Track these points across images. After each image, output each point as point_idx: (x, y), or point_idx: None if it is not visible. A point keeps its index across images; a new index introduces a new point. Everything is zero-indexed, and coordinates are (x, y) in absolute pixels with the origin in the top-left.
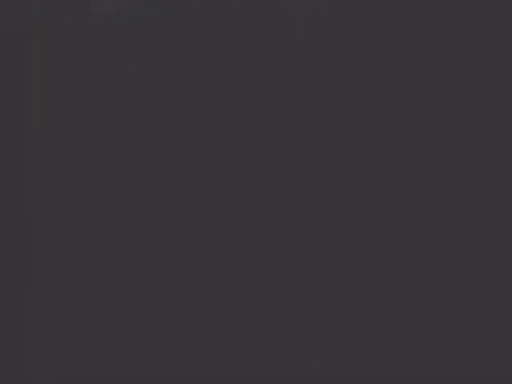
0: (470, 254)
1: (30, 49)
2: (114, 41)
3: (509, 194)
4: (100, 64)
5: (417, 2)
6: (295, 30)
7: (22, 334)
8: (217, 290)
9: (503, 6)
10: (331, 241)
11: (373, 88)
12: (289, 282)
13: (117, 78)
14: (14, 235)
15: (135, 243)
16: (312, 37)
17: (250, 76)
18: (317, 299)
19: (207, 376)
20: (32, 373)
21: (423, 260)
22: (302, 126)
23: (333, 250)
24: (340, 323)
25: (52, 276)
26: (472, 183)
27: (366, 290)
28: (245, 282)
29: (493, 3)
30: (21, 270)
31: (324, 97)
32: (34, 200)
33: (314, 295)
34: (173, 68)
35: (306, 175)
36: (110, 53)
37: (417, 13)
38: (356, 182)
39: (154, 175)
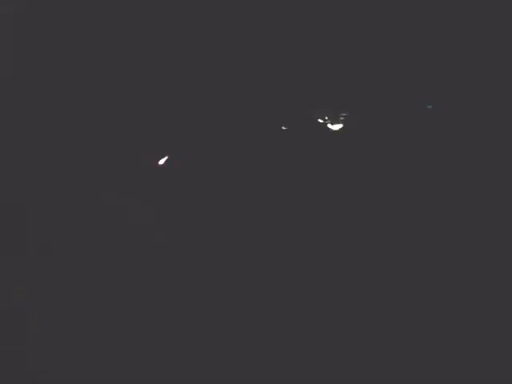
0: (470, 254)
1: None
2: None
3: (509, 195)
4: None
5: None
6: None
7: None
8: (218, 292)
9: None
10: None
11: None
12: (288, 283)
13: None
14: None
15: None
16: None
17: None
18: (316, 302)
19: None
20: (32, 375)
21: (423, 262)
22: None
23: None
24: (340, 328)
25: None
26: (472, 184)
27: (365, 292)
28: (244, 284)
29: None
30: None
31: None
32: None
33: (314, 297)
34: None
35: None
36: None
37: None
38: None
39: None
